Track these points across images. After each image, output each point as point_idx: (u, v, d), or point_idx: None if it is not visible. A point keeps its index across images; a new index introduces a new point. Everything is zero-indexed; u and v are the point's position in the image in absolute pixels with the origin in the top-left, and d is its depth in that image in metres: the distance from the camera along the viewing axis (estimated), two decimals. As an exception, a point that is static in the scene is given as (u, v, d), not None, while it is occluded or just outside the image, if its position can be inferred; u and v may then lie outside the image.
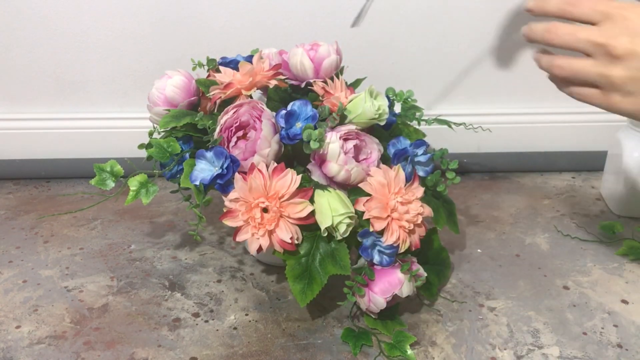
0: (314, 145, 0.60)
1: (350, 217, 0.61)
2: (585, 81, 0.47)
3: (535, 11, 0.51)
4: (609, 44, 0.45)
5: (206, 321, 0.67)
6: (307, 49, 0.70)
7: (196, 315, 0.68)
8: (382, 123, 0.67)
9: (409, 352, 0.61)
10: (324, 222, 0.60)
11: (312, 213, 0.61)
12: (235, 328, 0.66)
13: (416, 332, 0.65)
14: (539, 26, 0.51)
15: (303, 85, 0.71)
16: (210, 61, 0.76)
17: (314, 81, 0.70)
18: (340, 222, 0.61)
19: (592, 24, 0.47)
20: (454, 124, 0.76)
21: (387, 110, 0.67)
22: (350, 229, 0.62)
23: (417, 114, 0.75)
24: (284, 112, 0.64)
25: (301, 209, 0.60)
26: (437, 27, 0.97)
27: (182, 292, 0.72)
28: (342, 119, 0.66)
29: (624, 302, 0.71)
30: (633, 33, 0.44)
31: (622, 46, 0.44)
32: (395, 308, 0.67)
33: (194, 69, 0.76)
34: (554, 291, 0.73)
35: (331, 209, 0.60)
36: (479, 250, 0.81)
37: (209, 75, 0.76)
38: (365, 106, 0.65)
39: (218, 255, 0.80)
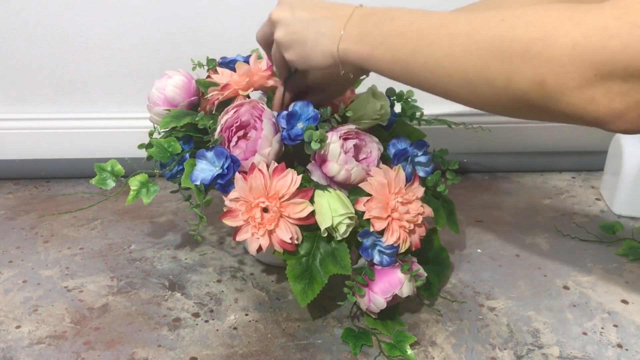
0: (315, 145, 0.60)
1: (350, 218, 0.61)
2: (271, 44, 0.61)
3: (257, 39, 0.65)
4: (269, 16, 0.59)
5: (206, 321, 0.67)
6: None
7: (196, 315, 0.68)
8: (385, 123, 0.67)
9: (409, 352, 0.61)
10: (323, 223, 0.60)
11: (312, 213, 0.61)
12: (235, 328, 0.66)
13: (416, 332, 0.65)
14: None
15: None
16: (210, 61, 0.76)
17: None
18: (340, 223, 0.61)
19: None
20: (454, 124, 0.76)
21: (389, 110, 0.67)
22: (350, 229, 0.62)
23: (417, 114, 0.75)
24: (285, 113, 0.64)
25: (301, 209, 0.60)
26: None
27: (182, 292, 0.72)
28: (344, 120, 0.66)
29: (624, 302, 0.71)
30: (281, 7, 0.58)
31: (273, 15, 0.58)
32: (395, 308, 0.67)
33: (193, 69, 0.76)
34: (554, 291, 0.73)
35: (331, 210, 0.60)
36: (479, 250, 0.81)
37: (208, 76, 0.76)
38: (368, 107, 0.65)
39: (218, 255, 0.80)
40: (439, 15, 0.48)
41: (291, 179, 0.60)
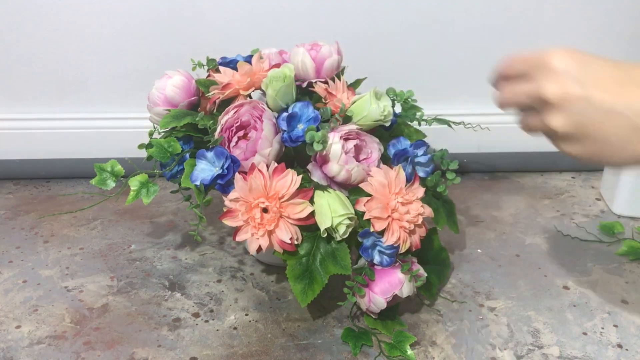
0: (317, 147, 0.60)
1: (349, 219, 0.61)
2: (537, 129, 0.46)
3: (503, 104, 0.50)
4: (541, 93, 0.43)
5: (206, 321, 0.67)
6: (307, 49, 0.70)
7: (196, 315, 0.68)
8: (388, 124, 0.67)
9: (409, 352, 0.61)
10: (323, 223, 0.60)
11: (312, 214, 0.61)
12: (235, 328, 0.66)
13: (416, 332, 0.65)
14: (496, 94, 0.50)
15: (305, 85, 0.71)
16: (210, 61, 0.76)
17: (316, 82, 0.70)
18: (339, 224, 0.61)
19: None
20: (454, 123, 0.76)
21: (392, 111, 0.67)
22: (350, 230, 0.62)
23: (418, 114, 0.75)
24: (285, 114, 0.64)
25: (301, 209, 0.60)
26: (436, 27, 0.97)
27: (182, 292, 0.72)
28: (345, 120, 0.66)
29: (624, 302, 0.71)
30: (563, 79, 0.41)
31: (551, 93, 0.42)
32: (395, 308, 0.67)
33: (193, 69, 0.76)
34: (554, 291, 0.73)
35: (331, 210, 0.60)
36: (479, 250, 0.81)
37: (209, 76, 0.76)
38: (371, 108, 0.65)
39: (218, 255, 0.80)
40: None
41: (291, 179, 0.60)
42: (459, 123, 0.77)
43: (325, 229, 0.61)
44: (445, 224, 0.70)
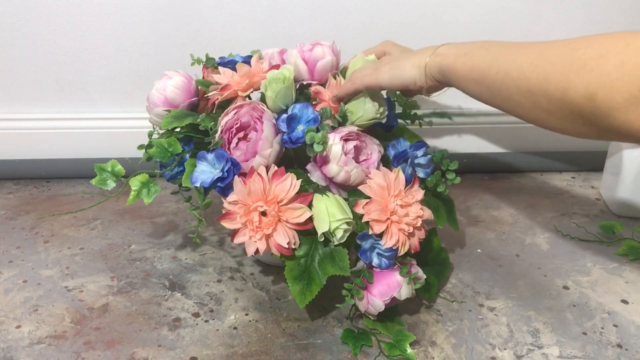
0: (317, 148, 0.59)
1: (347, 223, 0.61)
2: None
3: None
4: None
5: (206, 321, 0.67)
6: (302, 49, 0.69)
7: (196, 315, 0.68)
8: (384, 121, 0.67)
9: (409, 350, 0.61)
10: (321, 228, 0.60)
11: (311, 219, 0.61)
12: (235, 328, 0.66)
13: (416, 332, 0.65)
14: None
15: (297, 86, 0.70)
16: (209, 60, 0.76)
17: (309, 83, 0.69)
18: (337, 228, 0.60)
19: None
20: (450, 121, 0.76)
21: (386, 108, 0.67)
22: (348, 234, 0.61)
23: (416, 113, 0.75)
24: (285, 116, 0.64)
25: (300, 214, 0.60)
26: (436, 27, 0.97)
27: (182, 292, 0.72)
28: (344, 120, 0.66)
29: (624, 302, 0.71)
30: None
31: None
32: (394, 309, 0.67)
33: (192, 64, 0.76)
34: (554, 291, 0.73)
35: (329, 214, 0.60)
36: (479, 250, 0.81)
37: (204, 74, 0.75)
38: (366, 108, 0.65)
39: (218, 255, 0.80)
40: (523, 42, 0.53)
41: (290, 183, 0.60)
42: (456, 117, 0.76)
43: (323, 233, 0.60)
44: (446, 222, 0.70)
